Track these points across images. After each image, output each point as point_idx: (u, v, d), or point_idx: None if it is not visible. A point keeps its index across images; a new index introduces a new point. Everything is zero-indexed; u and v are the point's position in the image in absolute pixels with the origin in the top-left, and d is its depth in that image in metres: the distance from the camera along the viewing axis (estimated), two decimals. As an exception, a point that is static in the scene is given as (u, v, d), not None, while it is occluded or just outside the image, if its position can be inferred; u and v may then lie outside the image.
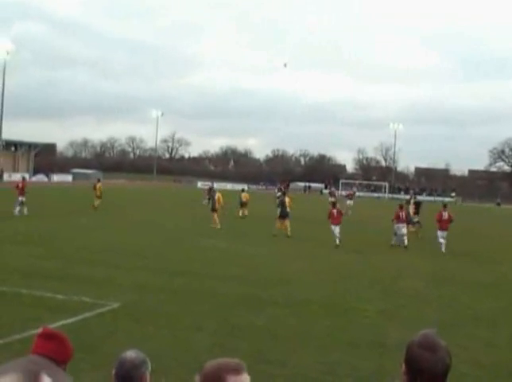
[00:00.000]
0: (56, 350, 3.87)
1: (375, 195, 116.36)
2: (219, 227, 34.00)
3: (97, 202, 44.05)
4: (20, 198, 37.15)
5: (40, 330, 3.99)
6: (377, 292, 17.09)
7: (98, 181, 47.17)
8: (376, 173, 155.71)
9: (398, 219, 30.73)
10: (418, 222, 37.17)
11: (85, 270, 17.84)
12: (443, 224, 29.50)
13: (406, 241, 29.89)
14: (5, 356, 8.83)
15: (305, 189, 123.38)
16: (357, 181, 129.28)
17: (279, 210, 33.65)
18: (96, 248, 22.83)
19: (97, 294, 14.13)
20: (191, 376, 8.30)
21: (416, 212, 38.95)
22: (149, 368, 3.96)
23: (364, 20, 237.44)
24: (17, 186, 37.79)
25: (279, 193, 45.25)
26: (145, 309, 13.28)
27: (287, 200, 34.30)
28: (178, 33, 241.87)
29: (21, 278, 15.89)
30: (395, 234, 30.68)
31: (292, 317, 13.32)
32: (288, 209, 33.38)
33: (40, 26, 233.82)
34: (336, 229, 28.98)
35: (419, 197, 66.33)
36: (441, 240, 28.95)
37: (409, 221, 32.81)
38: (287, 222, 32.54)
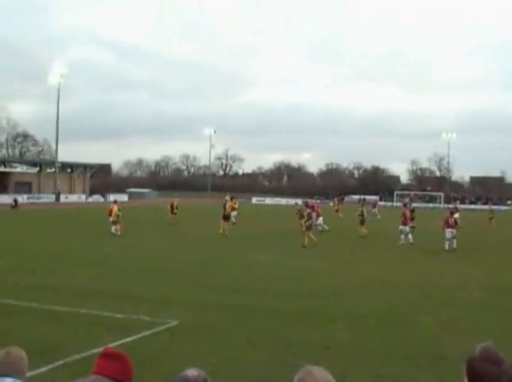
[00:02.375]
0: (117, 370, 4.00)
1: (430, 205, 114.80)
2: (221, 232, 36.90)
3: (170, 218, 45.73)
4: (111, 219, 39.27)
5: (101, 350, 4.13)
6: (433, 303, 16.88)
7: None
8: (430, 184, 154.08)
9: (448, 224, 33.02)
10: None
11: (142, 289, 18.10)
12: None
13: (455, 244, 32.39)
14: (65, 376, 9.07)
15: (360, 201, 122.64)
16: (412, 192, 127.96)
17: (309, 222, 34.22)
18: (153, 267, 23.13)
19: (155, 313, 14.30)
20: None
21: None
22: None
23: (417, 32, 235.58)
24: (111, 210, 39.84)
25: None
26: (201, 326, 13.39)
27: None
28: (233, 52, 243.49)
29: (79, 297, 16.16)
30: (447, 240, 32.43)
31: (348, 330, 13.28)
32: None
33: (96, 50, 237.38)
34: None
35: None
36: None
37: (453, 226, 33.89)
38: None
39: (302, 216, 34.95)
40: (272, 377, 9.77)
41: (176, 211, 47.76)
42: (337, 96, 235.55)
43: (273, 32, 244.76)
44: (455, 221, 34.06)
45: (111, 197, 65.79)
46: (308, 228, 33.59)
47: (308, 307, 15.79)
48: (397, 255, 28.66)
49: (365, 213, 40.64)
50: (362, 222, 40.11)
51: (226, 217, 37.90)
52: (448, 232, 32.66)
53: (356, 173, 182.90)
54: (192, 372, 3.94)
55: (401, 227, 36.07)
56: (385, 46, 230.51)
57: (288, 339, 12.38)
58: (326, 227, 40.70)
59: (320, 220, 41.01)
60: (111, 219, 39.33)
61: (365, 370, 10.33)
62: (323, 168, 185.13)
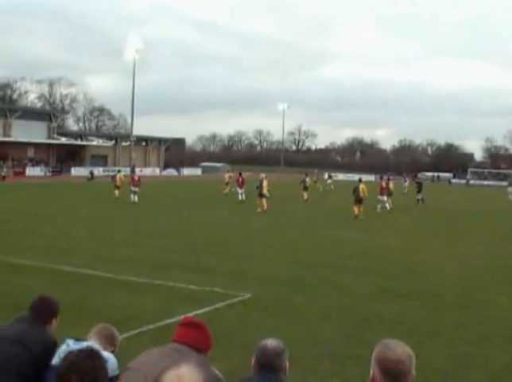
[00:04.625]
0: (198, 339, 4.04)
1: (504, 184, 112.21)
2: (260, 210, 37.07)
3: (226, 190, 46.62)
4: (133, 188, 42.94)
5: (181, 319, 4.19)
6: (508, 285, 16.57)
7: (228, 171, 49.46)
8: (505, 162, 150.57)
9: None
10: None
11: (216, 261, 18.27)
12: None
13: None
14: (140, 345, 9.22)
15: (433, 178, 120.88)
16: (485, 170, 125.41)
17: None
18: (227, 239, 23.34)
19: (228, 285, 14.43)
20: (320, 366, 8.42)
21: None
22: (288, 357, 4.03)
23: (497, 4, 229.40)
24: (133, 179, 44.17)
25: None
26: (274, 299, 13.45)
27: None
28: (310, 27, 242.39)
29: (154, 269, 16.43)
30: None
31: (423, 309, 13.13)
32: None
33: (174, 25, 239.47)
34: None
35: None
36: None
37: None
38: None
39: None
40: (346, 351, 9.76)
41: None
42: (414, 72, 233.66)
43: (351, 6, 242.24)
44: None
45: (185, 171, 66.63)
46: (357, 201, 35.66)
47: (382, 283, 15.67)
48: (477, 237, 28.14)
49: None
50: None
51: (262, 195, 38.32)
52: None
53: (429, 150, 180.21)
54: (271, 342, 3.97)
55: (379, 196, 40.35)
56: (465, 19, 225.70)
57: (362, 314, 12.33)
58: (387, 206, 40.04)
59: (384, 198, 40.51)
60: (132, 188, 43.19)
61: (438, 348, 10.21)
62: (397, 144, 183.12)
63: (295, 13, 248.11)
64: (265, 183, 38.80)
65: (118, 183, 45.81)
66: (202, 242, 22.55)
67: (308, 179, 51.21)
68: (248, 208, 38.41)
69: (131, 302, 12.75)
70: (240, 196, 45.35)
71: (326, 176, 75.34)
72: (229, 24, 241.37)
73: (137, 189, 43.10)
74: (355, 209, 35.21)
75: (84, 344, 4.81)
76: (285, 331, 10.54)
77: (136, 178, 44.54)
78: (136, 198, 42.35)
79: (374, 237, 26.26)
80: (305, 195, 49.22)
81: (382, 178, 44.62)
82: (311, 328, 11.19)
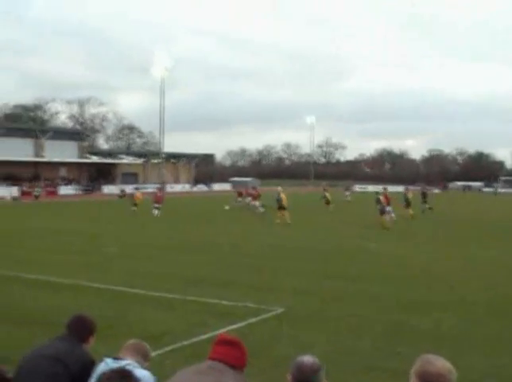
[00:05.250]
0: (234, 356, 4.08)
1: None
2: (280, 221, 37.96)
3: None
4: (156, 204, 45.19)
5: (217, 336, 4.23)
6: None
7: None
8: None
9: None
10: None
11: (247, 275, 18.32)
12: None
13: None
14: (174, 361, 9.29)
15: (464, 188, 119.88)
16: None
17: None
18: (256, 254, 23.36)
19: (261, 300, 14.42)
20: (355, 379, 8.41)
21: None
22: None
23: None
24: (156, 196, 46.41)
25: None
26: (307, 313, 13.42)
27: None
28: (336, 38, 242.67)
29: (187, 285, 16.48)
30: None
31: (458, 319, 12.99)
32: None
33: (201, 41, 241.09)
34: None
35: None
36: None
37: None
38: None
39: None
40: (381, 365, 9.71)
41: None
42: (443, 80, 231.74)
43: (377, 17, 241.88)
44: None
45: (215, 186, 66.88)
46: (381, 212, 36.41)
47: (416, 295, 15.59)
48: (505, 244, 27.88)
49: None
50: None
51: (283, 207, 39.59)
52: None
53: (459, 159, 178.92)
54: (307, 359, 3.97)
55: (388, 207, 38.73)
56: (488, 24, 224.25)
57: (395, 327, 12.26)
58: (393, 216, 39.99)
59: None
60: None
61: (476, 359, 10.09)
62: (426, 154, 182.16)
63: (320, 25, 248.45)
64: (283, 196, 39.74)
65: (137, 200, 47.74)
66: (232, 256, 22.60)
67: (327, 194, 53.39)
68: (274, 222, 38.44)
69: (164, 318, 12.81)
70: (261, 209, 47.75)
71: (345, 188, 75.80)
72: (255, 38, 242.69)
73: (158, 206, 45.18)
74: (382, 220, 35.82)
75: (123, 363, 4.88)
76: (318, 345, 10.54)
77: (159, 195, 46.71)
78: (157, 213, 44.51)
79: (400, 247, 26.23)
80: (330, 207, 51.37)
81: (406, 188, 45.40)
82: (344, 341, 11.15)
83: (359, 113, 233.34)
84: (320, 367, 3.97)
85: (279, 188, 42.80)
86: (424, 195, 50.12)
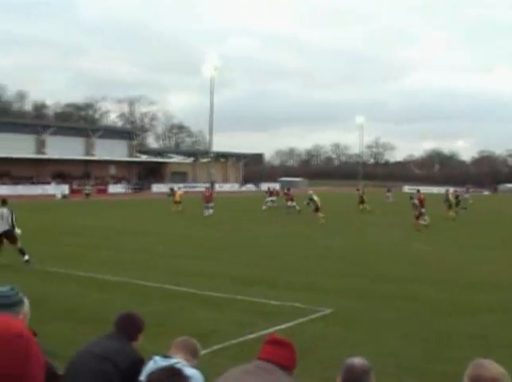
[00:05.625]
0: (284, 357, 4.05)
1: None
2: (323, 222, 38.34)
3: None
4: (207, 204, 45.49)
5: (268, 336, 4.20)
6: None
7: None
8: None
9: None
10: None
11: (295, 275, 18.30)
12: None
13: None
14: (223, 360, 9.30)
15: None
16: None
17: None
18: (304, 254, 23.30)
19: (309, 300, 14.38)
20: (400, 381, 8.25)
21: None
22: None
23: None
24: (205, 195, 46.82)
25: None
26: (355, 314, 13.36)
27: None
28: (385, 38, 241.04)
29: (235, 284, 16.55)
30: None
31: (503, 323, 12.80)
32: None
33: (249, 41, 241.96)
34: None
35: None
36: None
37: None
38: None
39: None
40: (428, 367, 9.60)
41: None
42: (493, 81, 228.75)
43: (427, 16, 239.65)
44: None
45: (264, 186, 66.95)
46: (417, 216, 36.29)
47: (465, 297, 15.39)
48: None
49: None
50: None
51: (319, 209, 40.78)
52: None
53: (510, 161, 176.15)
54: (357, 360, 3.94)
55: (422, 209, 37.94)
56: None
57: (442, 329, 12.13)
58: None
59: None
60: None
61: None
62: (476, 155, 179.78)
63: (368, 24, 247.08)
64: (316, 198, 41.20)
65: (178, 199, 49.30)
66: (281, 256, 22.60)
67: (361, 192, 54.31)
68: (318, 224, 38.35)
69: (213, 317, 12.85)
70: (296, 208, 48.51)
71: (386, 190, 74.97)
72: (304, 38, 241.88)
73: (211, 204, 45.58)
74: (415, 223, 35.75)
75: (172, 361, 4.88)
76: (365, 346, 10.48)
77: (208, 194, 46.90)
78: (210, 212, 44.84)
79: (442, 248, 26.01)
80: (366, 207, 52.05)
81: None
82: (391, 343, 11.06)
83: (409, 113, 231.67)
84: (369, 369, 3.94)
85: (310, 192, 44.28)
86: (457, 197, 49.48)
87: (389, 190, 73.83)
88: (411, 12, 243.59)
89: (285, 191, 54.25)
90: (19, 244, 19.65)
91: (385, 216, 46.95)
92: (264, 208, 52.70)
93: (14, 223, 19.79)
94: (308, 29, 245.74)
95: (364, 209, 51.63)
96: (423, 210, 37.50)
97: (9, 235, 19.61)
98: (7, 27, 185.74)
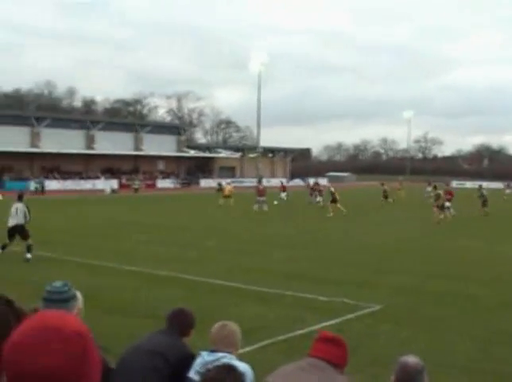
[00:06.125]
0: (336, 355, 4.06)
1: None
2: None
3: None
4: (259, 198, 45.54)
5: (319, 333, 4.22)
6: None
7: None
8: None
9: None
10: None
11: (344, 271, 18.26)
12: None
13: None
14: (272, 356, 9.34)
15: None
16: None
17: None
18: (352, 250, 23.21)
19: (357, 296, 14.34)
20: (453, 380, 8.21)
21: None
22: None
23: None
24: (258, 189, 47.12)
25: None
26: (404, 311, 13.29)
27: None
28: (434, 33, 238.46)
29: (284, 279, 16.57)
30: None
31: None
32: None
33: (296, 36, 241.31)
34: None
35: None
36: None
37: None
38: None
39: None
40: (481, 366, 9.51)
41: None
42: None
43: (475, 10, 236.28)
44: None
45: (311, 181, 66.85)
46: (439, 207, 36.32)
47: (510, 295, 15.19)
48: None
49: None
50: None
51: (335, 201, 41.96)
52: None
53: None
54: (412, 359, 3.93)
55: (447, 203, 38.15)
56: None
57: (494, 328, 11.99)
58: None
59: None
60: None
61: None
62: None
63: (416, 19, 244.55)
64: (332, 190, 43.21)
65: (227, 193, 50.44)
66: (330, 252, 22.57)
67: (386, 187, 54.17)
68: (365, 219, 38.14)
69: (261, 312, 12.91)
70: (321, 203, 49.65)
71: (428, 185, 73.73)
72: (350, 33, 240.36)
73: (263, 199, 45.40)
74: (435, 214, 35.89)
75: (218, 356, 4.93)
76: (415, 344, 10.42)
77: (261, 188, 46.95)
78: (264, 207, 44.63)
79: (491, 245, 25.55)
80: (384, 201, 52.50)
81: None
82: (442, 341, 10.97)
83: (457, 108, 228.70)
84: (423, 368, 3.93)
85: (329, 184, 48.13)
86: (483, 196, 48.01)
87: (430, 184, 72.47)
88: (459, 7, 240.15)
89: (313, 185, 54.57)
90: (29, 241, 19.69)
91: (423, 210, 46.42)
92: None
93: (28, 218, 20.10)
94: (354, 25, 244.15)
95: (386, 203, 51.78)
96: (448, 204, 37.58)
97: (21, 230, 19.83)
98: (58, 24, 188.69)
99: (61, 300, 4.48)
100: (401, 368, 3.90)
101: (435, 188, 40.07)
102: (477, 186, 49.65)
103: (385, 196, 53.02)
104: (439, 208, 36.22)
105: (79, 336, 1.93)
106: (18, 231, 19.83)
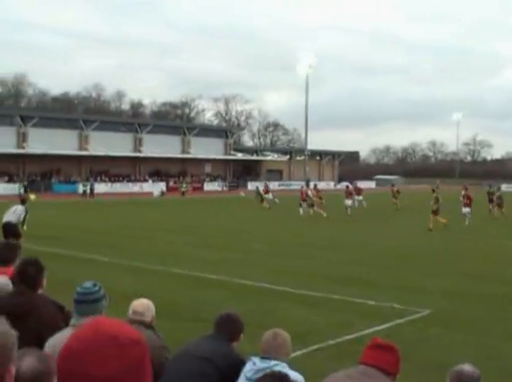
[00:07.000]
0: (388, 362, 3.98)
1: None
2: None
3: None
4: (302, 203, 43.75)
5: (371, 340, 4.13)
6: None
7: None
8: None
9: None
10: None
11: (391, 275, 18.11)
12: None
13: None
14: (321, 361, 9.26)
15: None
16: None
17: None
18: (397, 253, 23.06)
19: (406, 301, 14.16)
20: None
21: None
22: None
23: None
24: (302, 193, 44.64)
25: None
26: (454, 315, 13.10)
27: None
28: (484, 32, 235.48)
29: (331, 283, 16.46)
30: None
31: None
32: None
33: (345, 37, 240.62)
34: None
35: None
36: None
37: None
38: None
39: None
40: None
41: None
42: None
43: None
44: None
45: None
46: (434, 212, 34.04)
47: None
48: None
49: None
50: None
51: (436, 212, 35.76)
52: None
53: None
54: (467, 368, 3.83)
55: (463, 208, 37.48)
56: None
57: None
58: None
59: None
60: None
61: None
62: None
63: (465, 20, 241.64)
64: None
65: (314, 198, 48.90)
66: (378, 256, 22.37)
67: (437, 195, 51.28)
68: (406, 223, 37.73)
69: (309, 316, 12.84)
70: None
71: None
72: (398, 34, 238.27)
73: (312, 202, 44.33)
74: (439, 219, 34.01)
75: (271, 364, 4.88)
76: (465, 349, 10.26)
77: (314, 193, 46.24)
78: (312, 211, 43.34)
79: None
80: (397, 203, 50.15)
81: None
82: (492, 346, 10.78)
83: (507, 109, 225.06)
84: (479, 376, 3.83)
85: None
86: (490, 194, 47.10)
87: (466, 189, 70.56)
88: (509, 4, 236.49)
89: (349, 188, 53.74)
90: (20, 241, 19.63)
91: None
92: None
93: (22, 220, 20.79)
94: (402, 25, 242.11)
95: (395, 206, 49.89)
96: (467, 209, 36.90)
97: (13, 228, 19.71)
98: (105, 28, 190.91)
99: (92, 300, 4.50)
100: (456, 376, 3.81)
101: (433, 191, 37.94)
102: None
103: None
104: (434, 213, 34.03)
105: (135, 344, 1.89)
106: (11, 230, 19.91)
